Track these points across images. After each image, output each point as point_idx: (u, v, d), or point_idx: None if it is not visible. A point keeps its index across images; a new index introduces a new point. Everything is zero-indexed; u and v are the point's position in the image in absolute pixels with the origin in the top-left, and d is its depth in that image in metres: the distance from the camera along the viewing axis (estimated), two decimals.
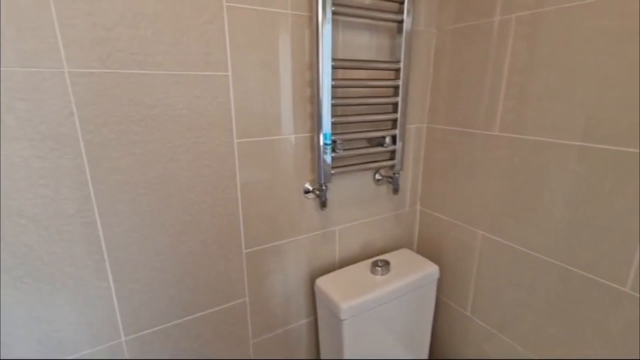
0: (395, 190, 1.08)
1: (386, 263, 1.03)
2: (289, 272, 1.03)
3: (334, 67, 0.85)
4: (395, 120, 1.00)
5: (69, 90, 0.64)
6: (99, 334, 0.78)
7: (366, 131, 0.98)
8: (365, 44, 0.96)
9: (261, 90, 0.84)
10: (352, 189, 1.07)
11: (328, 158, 0.90)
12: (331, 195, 1.00)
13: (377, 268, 1.02)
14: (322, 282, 1.00)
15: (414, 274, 1.03)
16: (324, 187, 0.93)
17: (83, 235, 0.72)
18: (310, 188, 0.97)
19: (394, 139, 1.01)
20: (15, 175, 0.63)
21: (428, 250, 1.25)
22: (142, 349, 0.85)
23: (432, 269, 1.07)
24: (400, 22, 0.92)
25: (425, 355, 1.17)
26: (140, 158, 0.74)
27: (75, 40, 0.63)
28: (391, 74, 0.98)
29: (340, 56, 0.92)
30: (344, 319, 0.90)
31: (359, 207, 1.11)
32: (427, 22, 1.05)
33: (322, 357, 1.09)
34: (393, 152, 1.03)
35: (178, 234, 0.82)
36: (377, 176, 1.09)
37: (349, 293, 0.94)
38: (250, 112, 0.84)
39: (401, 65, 0.94)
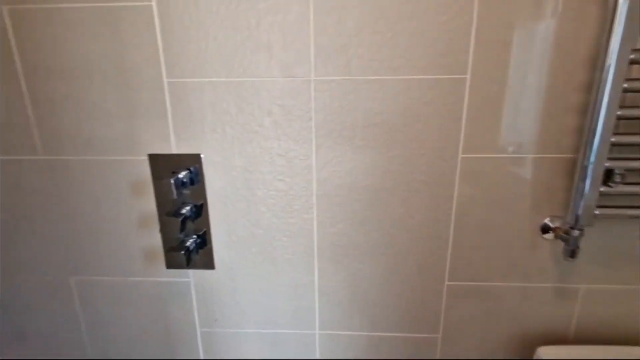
0: None
1: None
2: (497, 322, 0.82)
3: (631, 62, 0.58)
4: None
5: (312, 97, 0.69)
6: (300, 319, 0.85)
7: None
8: None
9: (501, 95, 0.67)
10: (619, 239, 0.74)
11: (594, 192, 0.63)
12: (584, 242, 0.72)
13: None
14: (549, 355, 0.74)
15: None
16: (577, 231, 0.67)
17: (302, 229, 0.78)
18: (552, 226, 0.73)
19: None
20: (264, 169, 0.74)
21: None
22: (331, 348, 0.87)
23: None
24: None
25: None
26: (360, 165, 0.73)
27: (324, 48, 0.67)
28: None
29: None
30: None
31: (625, 266, 0.76)
32: None
33: None
34: None
35: (380, 246, 0.78)
36: None
37: None
38: (482, 122, 0.69)
39: None
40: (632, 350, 0.72)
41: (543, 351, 0.75)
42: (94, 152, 0.75)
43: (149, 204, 0.78)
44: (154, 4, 0.66)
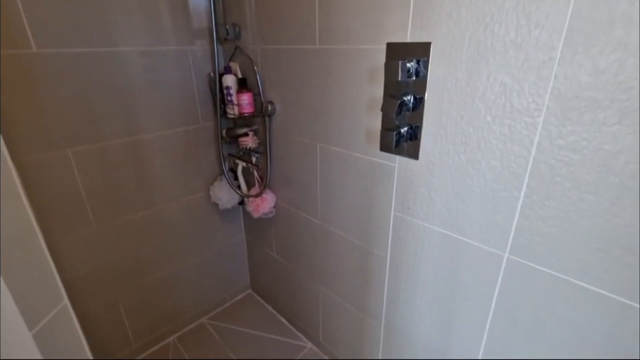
0: None
1: None
2: None
3: None
4: None
5: None
6: (490, 235, 0.80)
7: None
8: None
9: None
10: None
11: None
12: None
13: None
14: None
15: None
16: None
17: (519, 134, 0.70)
18: None
19: None
20: (492, 60, 0.69)
21: None
22: (518, 280, 0.79)
23: None
24: None
25: None
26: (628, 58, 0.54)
27: None
28: None
29: None
30: None
31: None
32: None
33: None
34: None
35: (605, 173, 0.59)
36: None
37: None
38: None
39: None
40: None
41: None
42: (349, 42, 0.93)
43: (379, 90, 0.91)
44: None
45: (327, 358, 1.51)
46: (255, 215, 1.41)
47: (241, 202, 1.58)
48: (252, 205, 1.40)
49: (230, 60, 1.32)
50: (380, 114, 0.93)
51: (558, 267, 0.72)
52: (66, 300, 0.45)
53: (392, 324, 1.14)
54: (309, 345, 1.58)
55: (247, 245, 1.79)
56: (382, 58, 0.87)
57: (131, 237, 1.36)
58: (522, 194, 0.73)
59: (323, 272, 1.35)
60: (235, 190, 1.46)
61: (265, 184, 1.37)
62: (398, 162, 0.94)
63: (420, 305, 1.03)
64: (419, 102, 0.85)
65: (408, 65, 0.80)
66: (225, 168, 1.45)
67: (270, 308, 1.80)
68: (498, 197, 0.77)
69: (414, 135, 0.89)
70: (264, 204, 1.38)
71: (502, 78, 0.69)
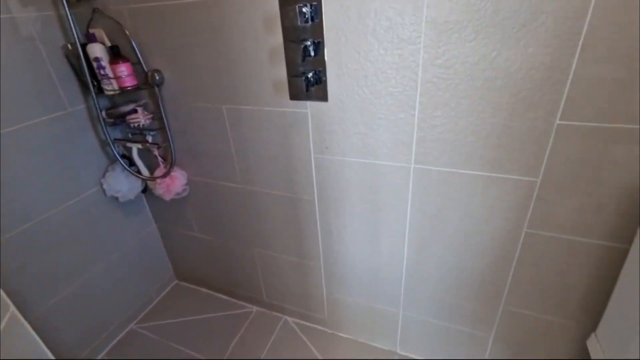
0: None
1: None
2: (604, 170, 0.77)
3: None
4: None
5: None
6: (398, 152, 0.95)
7: None
8: None
9: None
10: None
11: None
12: None
13: None
14: None
15: None
16: None
17: (407, 61, 0.83)
18: None
19: None
20: None
21: None
22: (424, 182, 0.97)
23: None
24: None
25: None
26: None
27: None
28: None
29: None
30: None
31: None
32: None
33: None
34: None
35: (486, 81, 0.78)
36: None
37: None
38: None
39: None
40: None
41: None
42: None
43: (278, 39, 0.92)
44: None
45: (275, 313, 1.58)
46: (168, 197, 1.30)
47: (144, 190, 1.43)
48: (162, 188, 1.28)
49: (89, 26, 1.12)
50: (284, 63, 0.95)
51: (449, 163, 0.92)
52: (13, 307, 0.38)
53: (329, 259, 1.27)
54: (255, 308, 1.62)
55: (161, 234, 1.65)
56: (274, 5, 0.88)
57: (11, 261, 1.10)
58: (417, 111, 0.88)
59: (255, 234, 1.37)
60: (136, 177, 1.30)
61: (171, 162, 1.27)
62: (310, 107, 1.00)
63: (351, 233, 1.17)
64: (319, 45, 0.90)
65: (304, 10, 0.84)
66: (116, 154, 1.27)
67: (204, 290, 1.74)
68: (399, 119, 0.91)
69: (319, 79, 0.95)
70: (175, 183, 1.28)
71: (387, 12, 0.79)
